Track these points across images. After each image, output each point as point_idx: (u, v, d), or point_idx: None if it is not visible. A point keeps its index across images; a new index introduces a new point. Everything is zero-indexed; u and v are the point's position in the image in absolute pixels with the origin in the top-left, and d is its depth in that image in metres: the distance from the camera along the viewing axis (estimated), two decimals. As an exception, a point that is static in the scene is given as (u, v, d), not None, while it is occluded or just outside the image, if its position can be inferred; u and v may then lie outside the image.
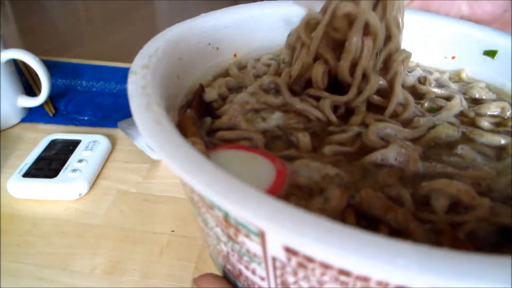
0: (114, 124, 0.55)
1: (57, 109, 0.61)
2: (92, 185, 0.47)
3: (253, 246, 0.13)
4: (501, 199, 0.21)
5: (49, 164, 0.47)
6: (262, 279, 0.14)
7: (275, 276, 0.13)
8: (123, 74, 0.70)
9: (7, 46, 0.55)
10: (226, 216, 0.14)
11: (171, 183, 0.48)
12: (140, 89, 0.20)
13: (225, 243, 0.16)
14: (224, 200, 0.12)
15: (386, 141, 0.24)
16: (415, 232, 0.17)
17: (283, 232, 0.10)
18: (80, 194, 0.45)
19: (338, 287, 0.11)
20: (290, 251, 0.12)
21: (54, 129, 0.56)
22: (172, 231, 0.42)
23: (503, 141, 0.26)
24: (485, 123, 0.28)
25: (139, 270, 0.38)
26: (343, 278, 0.11)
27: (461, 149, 0.25)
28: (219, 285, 0.17)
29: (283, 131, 0.25)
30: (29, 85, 0.64)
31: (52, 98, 0.62)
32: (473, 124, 0.28)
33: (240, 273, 0.16)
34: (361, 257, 0.10)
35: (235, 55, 0.35)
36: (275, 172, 0.20)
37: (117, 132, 0.55)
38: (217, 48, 0.33)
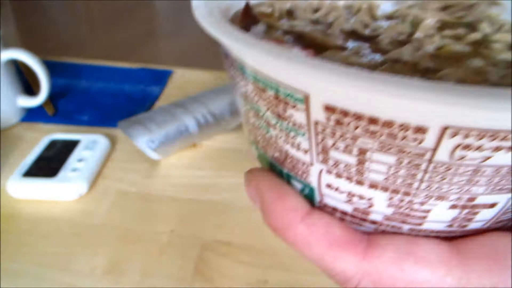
0: (114, 124, 0.55)
1: (57, 109, 0.61)
2: (92, 185, 0.47)
3: (299, 115, 0.15)
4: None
5: (49, 163, 0.47)
6: (306, 152, 0.16)
7: (317, 144, 0.15)
8: (123, 74, 0.70)
9: (7, 46, 0.55)
10: (276, 93, 0.15)
11: (171, 182, 0.48)
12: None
13: (273, 126, 0.18)
14: (276, 66, 0.13)
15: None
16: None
17: (326, 84, 0.12)
18: (80, 194, 0.45)
19: (368, 139, 0.13)
20: (329, 109, 0.13)
21: (53, 129, 0.56)
22: (172, 230, 0.42)
23: None
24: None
25: (139, 270, 0.38)
26: (372, 127, 0.12)
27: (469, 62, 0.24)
28: (267, 177, 0.19)
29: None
30: (29, 85, 0.64)
31: (51, 97, 0.62)
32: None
33: (286, 156, 0.18)
34: (389, 98, 0.10)
35: None
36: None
37: (117, 132, 0.55)
38: None
